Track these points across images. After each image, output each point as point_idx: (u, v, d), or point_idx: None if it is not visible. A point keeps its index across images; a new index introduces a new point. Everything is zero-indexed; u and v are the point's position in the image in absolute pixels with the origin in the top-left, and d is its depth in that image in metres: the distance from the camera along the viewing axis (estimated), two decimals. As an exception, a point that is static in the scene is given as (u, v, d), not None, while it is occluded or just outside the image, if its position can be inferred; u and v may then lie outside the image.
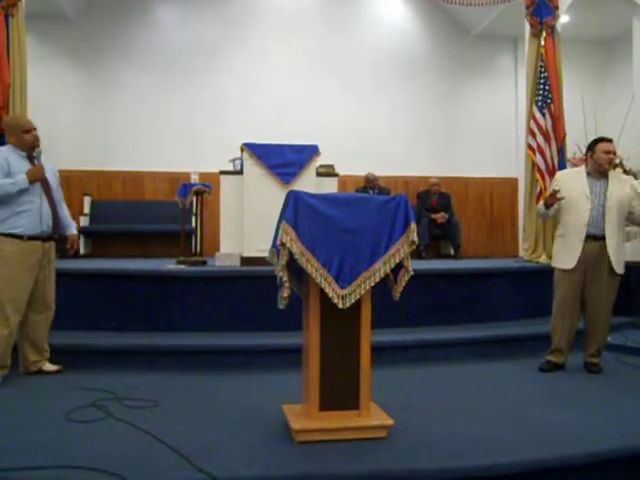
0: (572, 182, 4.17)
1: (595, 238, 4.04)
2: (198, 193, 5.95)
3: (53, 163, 4.18)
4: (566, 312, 4.17)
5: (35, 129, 3.97)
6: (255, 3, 8.74)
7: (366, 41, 8.97)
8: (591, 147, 4.20)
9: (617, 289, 4.16)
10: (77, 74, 8.37)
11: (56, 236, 4.05)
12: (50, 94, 7.90)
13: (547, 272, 5.65)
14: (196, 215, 6.23)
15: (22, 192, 3.79)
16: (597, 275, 4.07)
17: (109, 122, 8.36)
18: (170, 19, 8.67)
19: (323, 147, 5.69)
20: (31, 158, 3.93)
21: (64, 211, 4.21)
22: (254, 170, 5.47)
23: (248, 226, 5.39)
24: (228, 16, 8.64)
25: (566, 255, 4.14)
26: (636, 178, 6.45)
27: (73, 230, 4.25)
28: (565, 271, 4.15)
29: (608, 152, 4.08)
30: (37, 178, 3.86)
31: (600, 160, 4.07)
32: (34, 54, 6.63)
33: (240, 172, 5.58)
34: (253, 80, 8.61)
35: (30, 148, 3.92)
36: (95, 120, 8.30)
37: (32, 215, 3.83)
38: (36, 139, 3.95)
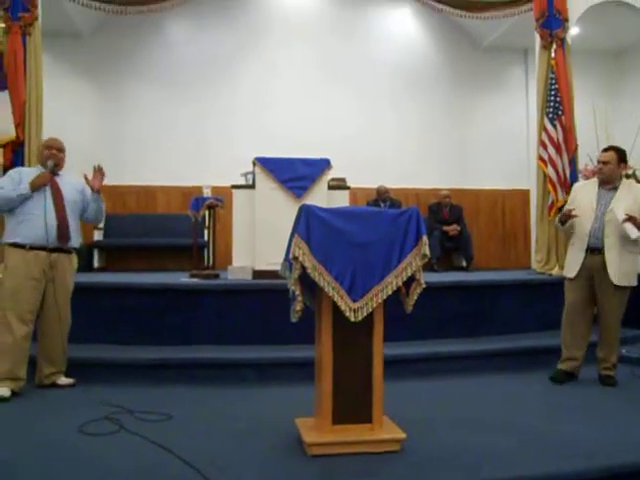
0: (584, 193, 4.21)
1: (596, 250, 4.06)
2: (211, 207, 6.00)
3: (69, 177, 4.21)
4: (573, 320, 4.20)
5: (59, 150, 4.09)
6: (265, 17, 8.83)
7: (377, 54, 9.02)
8: None
9: (625, 301, 4.10)
10: (91, 90, 8.50)
11: (66, 248, 4.02)
12: (65, 110, 8.00)
13: (560, 284, 5.61)
14: (208, 229, 6.28)
15: (26, 200, 3.84)
16: (602, 287, 4.07)
17: (123, 137, 8.46)
18: (181, 35, 8.79)
19: (334, 160, 5.72)
20: (52, 175, 4.00)
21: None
22: (266, 184, 5.51)
23: (260, 240, 5.42)
24: (239, 30, 8.73)
25: (570, 264, 4.22)
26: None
27: (73, 245, 4.18)
28: (570, 280, 4.22)
29: (598, 162, 4.16)
30: (40, 184, 3.89)
31: (596, 169, 4.19)
32: (49, 71, 6.73)
33: (252, 186, 5.62)
34: (264, 94, 8.68)
35: (46, 162, 4.01)
36: (109, 135, 8.40)
37: (34, 224, 3.84)
38: (52, 155, 4.03)
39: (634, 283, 4.09)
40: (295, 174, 5.49)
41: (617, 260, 3.99)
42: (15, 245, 3.84)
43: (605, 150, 4.16)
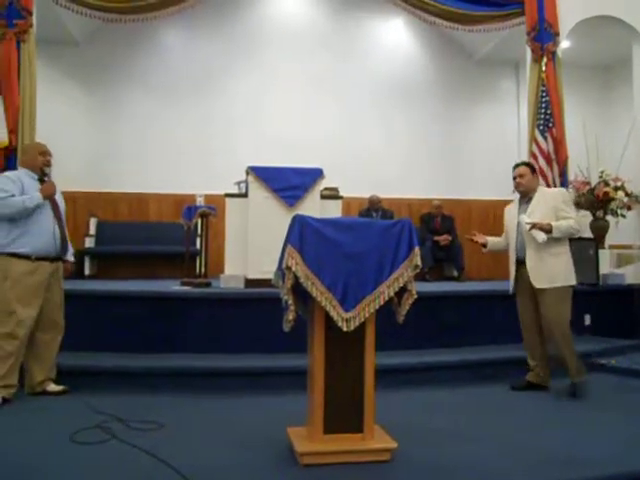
0: (510, 213, 4.44)
1: (522, 261, 4.23)
2: (203, 215, 6.01)
3: (59, 185, 4.20)
4: (524, 331, 4.35)
5: (50, 155, 4.08)
6: (260, 27, 8.88)
7: (370, 65, 9.10)
8: None
9: (560, 302, 4.11)
10: (85, 98, 8.50)
11: (64, 257, 4.09)
12: (58, 117, 7.99)
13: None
14: (201, 237, 6.28)
15: (34, 210, 3.82)
16: (539, 297, 4.16)
17: (116, 144, 8.45)
18: (178, 43, 8.82)
19: (327, 169, 5.75)
20: (42, 181, 3.99)
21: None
22: (259, 193, 5.52)
23: (252, 248, 5.43)
24: (234, 40, 8.78)
25: (510, 280, 4.39)
26: (638, 201, 6.51)
27: (70, 257, 4.25)
28: (515, 295, 4.38)
29: (514, 177, 4.34)
30: (50, 193, 3.92)
31: (514, 185, 4.34)
32: (43, 78, 6.73)
33: (245, 195, 5.64)
34: (259, 103, 8.72)
35: (40, 169, 4.00)
36: (102, 142, 8.40)
37: (43, 235, 3.86)
38: (48, 162, 4.04)
39: (560, 283, 4.10)
40: (288, 183, 5.52)
41: (537, 265, 4.11)
42: (19, 255, 3.79)
43: (517, 166, 4.39)
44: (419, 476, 2.63)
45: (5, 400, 3.69)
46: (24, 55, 5.61)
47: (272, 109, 8.71)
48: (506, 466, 2.75)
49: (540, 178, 6.18)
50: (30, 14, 5.65)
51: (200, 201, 6.06)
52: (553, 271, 4.11)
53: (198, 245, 6.73)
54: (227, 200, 5.70)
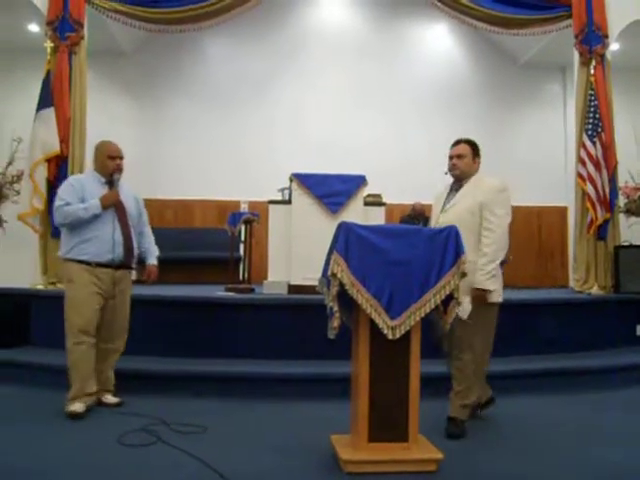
0: (438, 199, 3.70)
1: None
2: (247, 222, 6.07)
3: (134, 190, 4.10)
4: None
5: (121, 158, 3.93)
6: (302, 35, 8.98)
7: (412, 71, 9.07)
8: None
9: (483, 322, 3.38)
10: (132, 106, 8.72)
11: (130, 265, 3.96)
12: (106, 126, 8.14)
13: (600, 303, 5.56)
14: (244, 243, 6.34)
15: (94, 218, 3.71)
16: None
17: (162, 152, 8.63)
18: (221, 52, 8.97)
19: (370, 176, 5.73)
20: (110, 184, 3.87)
21: (147, 238, 4.13)
22: (302, 200, 5.55)
23: (295, 255, 5.45)
24: (276, 48, 8.89)
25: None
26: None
27: (153, 260, 4.13)
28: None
29: (450, 157, 3.58)
30: (111, 203, 3.79)
31: (448, 167, 3.59)
32: (92, 88, 6.92)
33: (288, 202, 5.67)
34: (301, 110, 8.79)
35: (110, 174, 3.87)
36: (149, 149, 8.58)
37: (102, 242, 3.74)
38: (118, 167, 3.89)
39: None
40: (331, 190, 5.53)
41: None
42: (80, 262, 3.72)
43: (457, 143, 3.62)
44: (465, 488, 2.59)
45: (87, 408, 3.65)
46: (75, 67, 5.77)
47: (314, 116, 8.76)
48: (554, 476, 2.68)
49: (589, 184, 6.03)
50: (82, 27, 5.81)
51: (244, 208, 6.15)
52: (481, 278, 3.30)
53: (242, 251, 6.80)
54: (270, 207, 5.75)
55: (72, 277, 3.74)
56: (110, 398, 3.93)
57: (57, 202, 3.76)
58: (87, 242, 3.73)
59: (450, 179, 3.68)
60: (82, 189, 3.79)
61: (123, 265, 3.88)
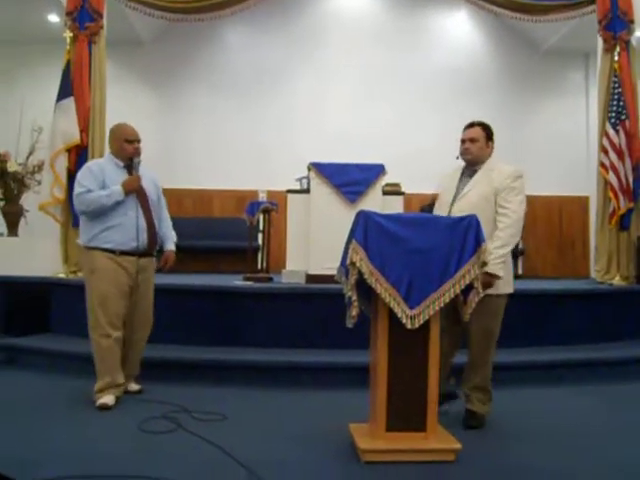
0: (448, 179, 3.54)
1: None
2: (265, 211, 6.08)
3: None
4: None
5: (139, 141, 3.82)
6: (321, 22, 8.93)
7: (432, 58, 8.98)
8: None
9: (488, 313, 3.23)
10: (151, 95, 8.76)
11: (154, 252, 3.85)
12: (125, 115, 8.07)
13: (622, 294, 5.48)
14: (263, 232, 6.35)
15: (116, 204, 3.62)
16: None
17: (181, 141, 8.66)
18: (239, 41, 8.96)
19: (388, 165, 5.70)
20: (129, 168, 3.76)
21: (165, 223, 4.01)
22: (321, 189, 5.53)
23: (314, 244, 5.44)
24: (295, 36, 8.86)
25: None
26: None
27: (171, 246, 4.01)
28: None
29: (463, 141, 3.45)
30: (133, 189, 3.68)
31: (459, 151, 3.45)
32: (112, 77, 6.96)
33: (307, 191, 5.66)
34: (321, 99, 8.76)
35: (128, 158, 3.76)
36: (167, 139, 8.62)
37: (125, 229, 3.63)
38: (136, 151, 3.78)
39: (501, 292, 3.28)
40: (349, 179, 5.50)
41: None
42: (104, 250, 3.63)
43: (470, 126, 3.49)
44: (483, 479, 2.57)
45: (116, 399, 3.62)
46: (95, 56, 5.78)
47: (333, 105, 8.73)
48: (582, 474, 2.65)
49: (611, 173, 5.93)
50: (101, 16, 5.82)
51: (262, 197, 6.13)
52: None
53: (260, 240, 6.81)
54: (289, 196, 5.74)
55: (96, 267, 3.63)
56: (132, 385, 3.91)
57: (77, 189, 3.65)
58: (110, 230, 3.62)
59: (459, 164, 3.53)
60: (102, 174, 3.68)
61: (147, 252, 3.78)
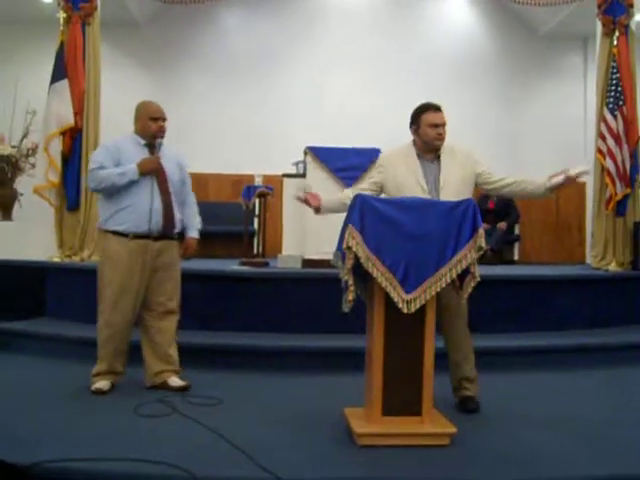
0: (402, 167, 3.28)
1: None
2: (261, 195, 6.05)
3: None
4: None
5: (164, 119, 3.65)
6: (320, 6, 8.83)
7: (430, 42, 8.91)
8: (414, 119, 3.39)
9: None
10: (146, 78, 8.65)
11: (172, 235, 3.64)
12: (120, 98, 8.08)
13: (617, 280, 5.49)
14: (259, 217, 6.33)
15: (131, 184, 3.46)
16: None
17: (176, 125, 8.44)
18: (236, 24, 8.87)
19: (386, 149, 5.64)
20: (151, 148, 3.59)
21: (189, 208, 3.82)
22: (317, 173, 5.50)
23: (310, 229, 5.42)
24: (293, 19, 8.77)
25: None
26: None
27: (193, 232, 3.81)
28: None
29: (436, 125, 3.26)
30: (150, 169, 3.49)
31: (427, 136, 3.25)
32: (106, 60, 6.88)
33: (303, 175, 5.63)
34: (318, 83, 8.68)
35: (152, 137, 3.60)
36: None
37: (138, 211, 3.46)
38: (161, 129, 3.62)
39: None
40: (346, 163, 5.48)
41: None
42: (116, 233, 3.48)
43: (437, 109, 3.39)
44: (480, 462, 2.58)
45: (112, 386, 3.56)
46: (89, 38, 5.69)
47: (330, 89, 8.66)
48: (577, 454, 2.67)
49: (609, 159, 5.91)
50: (95, -4, 5.74)
51: (258, 181, 6.10)
52: None
53: (256, 225, 6.80)
54: (285, 180, 5.72)
55: (109, 254, 3.51)
56: (176, 380, 3.62)
57: (91, 165, 3.52)
58: (124, 210, 3.47)
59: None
60: (118, 152, 3.53)
61: (163, 236, 3.58)
